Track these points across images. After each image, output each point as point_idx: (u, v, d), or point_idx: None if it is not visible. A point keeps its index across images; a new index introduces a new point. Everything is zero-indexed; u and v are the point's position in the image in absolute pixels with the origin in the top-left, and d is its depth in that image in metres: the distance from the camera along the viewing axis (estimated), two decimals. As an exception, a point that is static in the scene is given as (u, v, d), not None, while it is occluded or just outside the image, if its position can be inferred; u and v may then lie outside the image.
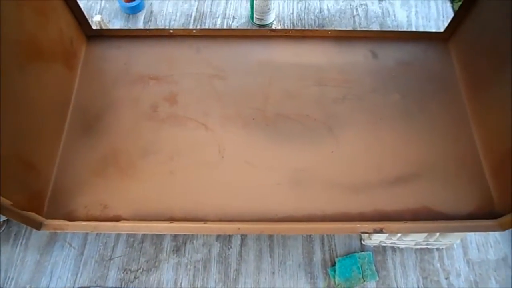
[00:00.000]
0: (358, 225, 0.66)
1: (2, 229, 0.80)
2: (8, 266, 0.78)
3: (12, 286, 0.76)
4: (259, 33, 0.85)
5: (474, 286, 0.78)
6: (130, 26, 1.03)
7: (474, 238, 0.84)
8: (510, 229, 0.85)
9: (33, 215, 0.63)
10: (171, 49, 0.82)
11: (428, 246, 0.81)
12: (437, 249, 0.82)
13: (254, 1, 0.97)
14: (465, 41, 0.79)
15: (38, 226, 0.65)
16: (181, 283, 0.77)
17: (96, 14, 1.04)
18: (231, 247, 0.81)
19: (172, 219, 0.67)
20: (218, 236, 0.81)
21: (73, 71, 0.78)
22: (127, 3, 1.03)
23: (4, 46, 0.57)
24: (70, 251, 0.79)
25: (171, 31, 0.83)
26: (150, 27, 1.02)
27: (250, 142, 0.74)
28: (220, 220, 0.68)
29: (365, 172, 0.72)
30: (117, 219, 0.67)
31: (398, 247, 0.82)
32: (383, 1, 1.08)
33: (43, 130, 0.69)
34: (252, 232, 0.68)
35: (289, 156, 0.73)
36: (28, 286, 0.76)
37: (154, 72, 0.80)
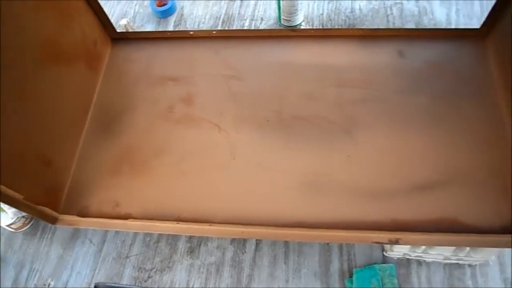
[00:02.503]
0: (373, 235, 0.62)
1: (31, 223, 0.84)
2: (34, 258, 0.81)
3: (36, 278, 0.79)
4: (279, 33, 0.83)
5: (511, 309, 0.71)
6: (161, 29, 1.05)
7: (513, 254, 0.76)
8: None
9: (47, 210, 0.66)
10: (191, 51, 0.83)
11: (459, 262, 0.74)
12: (469, 265, 0.75)
13: (281, 2, 0.95)
14: (504, 38, 0.72)
15: (53, 220, 0.68)
16: (193, 285, 0.77)
17: (130, 18, 1.08)
18: (245, 252, 0.79)
19: (179, 219, 0.67)
20: (232, 240, 0.80)
21: (97, 72, 0.80)
22: (158, 7, 1.05)
23: (23, 45, 0.60)
24: (90, 247, 0.81)
25: (191, 33, 0.83)
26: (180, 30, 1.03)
27: (263, 144, 0.72)
28: (227, 222, 0.66)
29: (384, 178, 0.68)
30: (127, 217, 0.68)
31: (425, 261, 0.76)
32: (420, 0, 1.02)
33: (63, 128, 0.72)
34: (256, 237, 0.66)
35: (303, 160, 0.70)
36: (49, 280, 0.79)
37: (173, 74, 0.81)
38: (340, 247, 0.79)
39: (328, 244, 0.79)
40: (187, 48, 0.83)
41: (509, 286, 0.73)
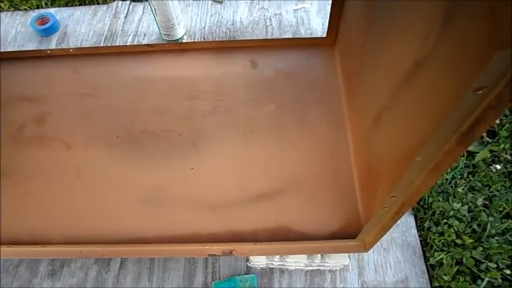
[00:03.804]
0: (207, 247, 0.62)
1: None
2: None
3: None
4: (137, 49, 0.82)
5: (364, 312, 0.71)
6: (43, 47, 1.04)
7: (372, 257, 0.77)
8: (413, 248, 0.78)
9: None
10: (49, 70, 0.82)
11: (320, 268, 0.75)
12: (330, 270, 0.76)
13: (156, 18, 0.95)
14: (343, 44, 0.74)
15: None
16: (51, 309, 0.74)
17: (11, 37, 1.06)
18: (109, 271, 0.77)
19: (16, 242, 0.65)
20: (96, 259, 0.78)
21: None
22: (39, 26, 1.04)
23: None
24: None
25: (48, 52, 0.82)
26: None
27: (111, 161, 0.71)
28: (68, 242, 0.65)
29: (225, 190, 0.68)
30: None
31: (287, 269, 0.76)
32: (298, 10, 1.04)
33: None
34: (94, 256, 0.64)
35: (147, 175, 0.69)
36: None
37: (29, 93, 0.79)
38: (206, 260, 0.78)
39: (193, 258, 0.78)
40: (45, 67, 0.82)
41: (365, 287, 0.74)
